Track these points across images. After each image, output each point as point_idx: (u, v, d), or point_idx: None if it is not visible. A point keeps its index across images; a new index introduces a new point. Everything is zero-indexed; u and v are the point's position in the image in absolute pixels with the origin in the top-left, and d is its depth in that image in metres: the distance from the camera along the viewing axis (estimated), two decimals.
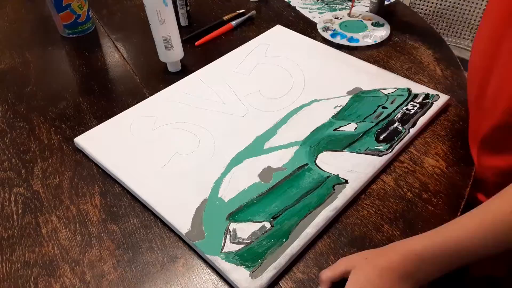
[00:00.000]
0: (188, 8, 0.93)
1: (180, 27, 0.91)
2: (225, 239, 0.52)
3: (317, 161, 0.61)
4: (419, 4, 1.53)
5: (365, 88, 0.72)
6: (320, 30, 0.88)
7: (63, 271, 0.51)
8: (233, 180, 0.59)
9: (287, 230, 0.52)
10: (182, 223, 0.54)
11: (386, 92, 0.71)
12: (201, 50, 0.88)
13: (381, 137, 0.63)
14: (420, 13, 1.52)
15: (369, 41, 0.85)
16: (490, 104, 0.58)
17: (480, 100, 0.60)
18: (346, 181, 0.57)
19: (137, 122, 0.70)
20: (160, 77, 0.81)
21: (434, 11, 1.51)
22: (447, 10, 1.49)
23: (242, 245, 0.51)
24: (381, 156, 0.61)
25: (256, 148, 0.63)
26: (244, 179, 0.59)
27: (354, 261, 0.46)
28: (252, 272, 0.48)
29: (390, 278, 0.43)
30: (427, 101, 0.68)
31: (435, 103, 0.68)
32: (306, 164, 0.60)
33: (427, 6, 1.51)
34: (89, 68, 0.85)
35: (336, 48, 0.83)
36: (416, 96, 0.70)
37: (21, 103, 0.77)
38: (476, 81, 0.61)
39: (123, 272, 0.51)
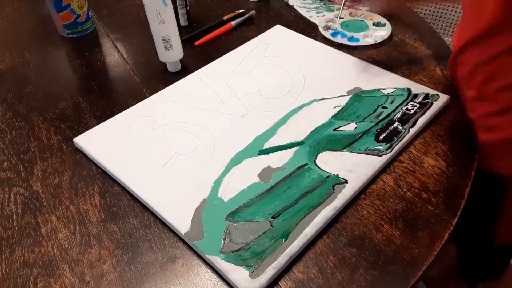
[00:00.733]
0: (188, 8, 0.93)
1: (180, 27, 0.91)
2: (224, 239, 0.52)
3: (316, 161, 0.61)
4: (419, 4, 1.52)
5: (364, 88, 0.72)
6: (321, 29, 0.88)
7: (62, 271, 0.51)
8: (233, 180, 0.59)
9: (286, 230, 0.52)
10: (182, 223, 0.54)
11: (386, 92, 0.71)
12: (201, 50, 0.88)
13: (381, 137, 0.63)
14: (420, 13, 1.52)
15: (369, 41, 0.85)
16: None
17: None
18: (346, 181, 0.57)
19: (137, 122, 0.69)
20: (160, 77, 0.81)
21: (434, 11, 1.51)
22: (447, 10, 1.49)
23: (241, 245, 0.51)
24: (380, 156, 0.61)
25: (255, 148, 0.63)
26: (243, 179, 0.59)
27: None
28: (252, 272, 0.48)
29: None
30: (427, 101, 0.68)
31: (435, 103, 0.68)
32: (306, 164, 0.60)
33: (427, 6, 1.51)
34: (89, 68, 0.85)
35: (337, 48, 0.83)
36: (416, 96, 0.70)
37: (21, 103, 0.77)
38: None
39: (123, 272, 0.51)
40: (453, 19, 1.50)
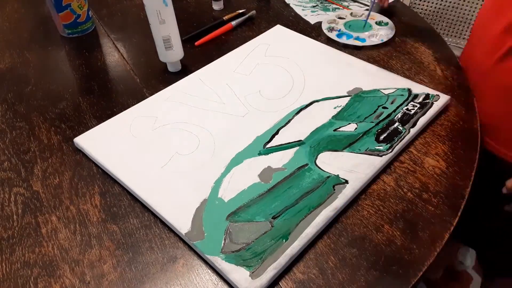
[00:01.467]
0: None
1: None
2: (225, 239, 0.52)
3: (317, 161, 0.61)
4: (419, 4, 1.53)
5: (365, 88, 0.72)
6: (325, 31, 0.88)
7: (63, 271, 0.51)
8: (233, 180, 0.59)
9: (287, 230, 0.52)
10: (182, 223, 0.54)
11: (386, 92, 0.71)
12: (201, 50, 0.88)
13: (381, 137, 0.63)
14: (420, 13, 1.52)
15: (375, 40, 0.85)
16: None
17: None
18: (346, 181, 0.57)
19: (137, 122, 0.69)
20: (160, 77, 0.81)
21: (434, 11, 1.51)
22: (447, 10, 1.49)
23: (242, 245, 0.51)
24: (381, 156, 0.61)
25: (256, 148, 0.63)
26: (244, 179, 0.59)
27: None
28: (252, 273, 0.48)
29: None
30: (427, 101, 0.68)
31: (435, 103, 0.68)
32: (306, 164, 0.60)
33: (427, 6, 1.51)
34: (89, 68, 0.85)
35: (340, 48, 0.83)
36: (416, 96, 0.70)
37: (21, 103, 0.77)
38: None
39: (123, 272, 0.51)
40: (453, 19, 1.50)
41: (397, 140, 0.63)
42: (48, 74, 0.85)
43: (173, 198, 0.57)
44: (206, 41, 0.90)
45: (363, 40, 0.85)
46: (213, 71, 0.80)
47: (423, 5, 1.51)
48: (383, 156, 0.60)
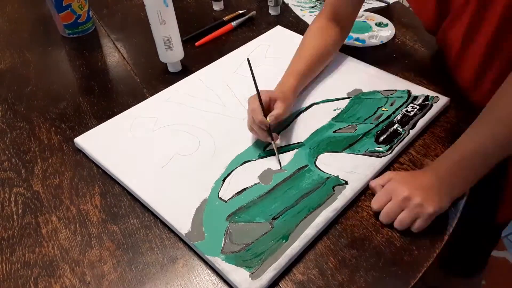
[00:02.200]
0: None
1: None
2: (225, 240, 0.52)
3: (317, 163, 0.61)
4: None
5: (365, 90, 0.73)
6: None
7: (63, 272, 0.51)
8: (233, 181, 0.59)
9: (287, 231, 0.52)
10: (182, 224, 0.54)
11: (385, 94, 0.71)
12: (201, 50, 0.89)
13: (381, 139, 0.63)
14: None
15: (375, 42, 0.85)
16: None
17: None
18: (346, 182, 0.58)
19: (137, 122, 0.70)
20: (160, 78, 0.81)
21: None
22: None
23: (242, 246, 0.51)
24: (380, 157, 0.61)
25: (256, 149, 0.63)
26: (244, 180, 0.59)
27: (397, 173, 0.58)
28: (252, 273, 0.48)
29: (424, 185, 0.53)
30: (426, 102, 0.69)
31: (434, 104, 0.68)
32: (306, 166, 0.60)
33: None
34: (89, 68, 0.85)
35: (342, 49, 0.84)
36: (415, 98, 0.70)
37: (21, 103, 0.77)
38: None
39: (123, 272, 0.51)
40: None
41: (397, 141, 0.63)
42: (48, 74, 0.85)
43: (173, 199, 0.57)
44: (206, 41, 0.90)
45: (363, 41, 0.85)
46: (213, 72, 0.80)
47: None
48: (383, 157, 0.61)
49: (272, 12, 0.98)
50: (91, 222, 0.57)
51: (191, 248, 0.53)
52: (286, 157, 0.62)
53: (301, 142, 0.64)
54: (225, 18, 0.96)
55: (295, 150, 0.63)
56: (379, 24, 0.90)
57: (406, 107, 0.68)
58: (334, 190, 0.57)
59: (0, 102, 0.78)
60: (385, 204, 0.54)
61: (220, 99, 0.73)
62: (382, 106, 0.69)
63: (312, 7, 0.99)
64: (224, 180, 0.59)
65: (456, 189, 0.54)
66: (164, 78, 0.81)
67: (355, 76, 0.76)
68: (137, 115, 0.71)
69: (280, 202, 0.56)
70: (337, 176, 0.58)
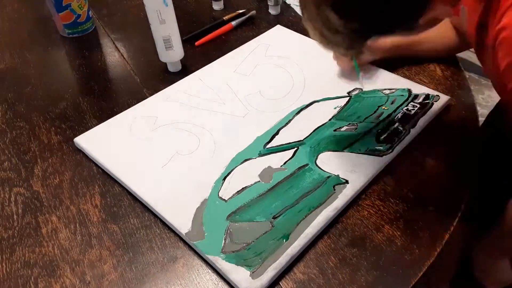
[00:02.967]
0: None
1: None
2: (225, 239, 0.52)
3: (317, 161, 0.61)
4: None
5: (365, 89, 0.72)
6: None
7: (63, 271, 0.51)
8: (234, 180, 0.59)
9: (287, 230, 0.52)
10: (182, 223, 0.54)
11: (386, 92, 0.71)
12: (201, 50, 0.88)
13: (382, 138, 0.63)
14: None
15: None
16: None
17: None
18: (347, 181, 0.57)
19: (137, 122, 0.69)
20: (160, 77, 0.81)
21: None
22: None
23: (242, 245, 0.51)
24: (381, 156, 0.61)
25: (256, 148, 0.63)
26: (244, 179, 0.59)
27: None
28: (253, 272, 0.48)
29: None
30: (427, 101, 0.68)
31: (435, 103, 0.68)
32: (307, 164, 0.60)
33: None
34: (89, 68, 0.85)
35: None
36: (416, 96, 0.70)
37: (21, 103, 0.77)
38: None
39: (123, 272, 0.51)
40: None
41: (397, 140, 0.63)
42: (48, 74, 0.85)
43: (173, 198, 0.57)
44: (206, 41, 0.90)
45: None
46: (213, 71, 0.80)
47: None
48: (384, 156, 0.61)
49: (272, 11, 0.98)
50: (91, 222, 0.57)
51: (191, 248, 0.53)
52: (286, 156, 0.62)
53: (301, 140, 0.64)
54: (225, 18, 0.96)
55: (296, 149, 0.63)
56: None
57: (406, 106, 0.68)
58: (334, 189, 0.57)
59: (0, 102, 0.78)
60: None
61: (220, 98, 0.73)
62: (382, 105, 0.69)
63: None
64: (224, 179, 0.59)
65: None
66: (164, 77, 0.81)
67: (355, 75, 0.76)
68: (137, 115, 0.71)
69: (281, 201, 0.56)
70: (338, 175, 0.58)
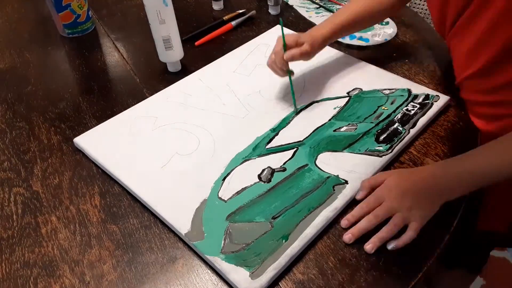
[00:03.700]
0: None
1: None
2: (225, 240, 0.52)
3: (317, 162, 0.61)
4: (419, 4, 1.53)
5: (365, 89, 0.72)
6: None
7: (62, 272, 0.51)
8: (233, 180, 0.59)
9: (287, 230, 0.52)
10: (182, 224, 0.54)
11: (386, 92, 0.71)
12: (201, 50, 0.88)
13: (381, 138, 0.63)
14: (420, 13, 1.52)
15: (379, 40, 0.85)
16: None
17: None
18: (346, 182, 0.57)
19: (137, 122, 0.69)
20: (160, 77, 0.81)
21: None
22: None
23: (242, 246, 0.51)
24: (381, 156, 0.61)
25: (256, 148, 0.63)
26: (244, 179, 0.59)
27: (392, 172, 0.56)
28: (252, 273, 0.48)
29: (418, 188, 0.53)
30: (427, 101, 0.68)
31: (435, 103, 0.68)
32: (306, 165, 0.60)
33: (427, 6, 1.51)
34: (89, 68, 0.85)
35: (346, 48, 0.83)
36: (416, 96, 0.70)
37: (21, 103, 0.77)
38: None
39: (123, 272, 0.51)
40: None
41: (397, 140, 0.63)
42: (48, 74, 0.85)
43: (173, 198, 0.57)
44: (206, 41, 0.90)
45: (367, 40, 0.85)
46: (213, 71, 0.80)
47: (423, 5, 1.51)
48: (383, 157, 0.60)
49: (272, 11, 0.98)
50: (90, 222, 0.57)
51: (190, 248, 0.53)
52: (286, 156, 0.62)
53: (301, 141, 0.64)
54: (225, 18, 0.96)
55: (295, 149, 0.63)
56: (380, 23, 0.89)
57: (406, 106, 0.68)
58: (334, 190, 0.57)
59: (0, 102, 0.78)
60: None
61: (220, 98, 0.73)
62: (382, 105, 0.69)
63: (317, 8, 0.99)
64: (224, 179, 0.59)
65: (445, 196, 0.53)
66: (163, 77, 0.81)
67: (355, 75, 0.76)
68: (137, 115, 0.71)
69: (280, 202, 0.56)
70: (337, 176, 0.58)
